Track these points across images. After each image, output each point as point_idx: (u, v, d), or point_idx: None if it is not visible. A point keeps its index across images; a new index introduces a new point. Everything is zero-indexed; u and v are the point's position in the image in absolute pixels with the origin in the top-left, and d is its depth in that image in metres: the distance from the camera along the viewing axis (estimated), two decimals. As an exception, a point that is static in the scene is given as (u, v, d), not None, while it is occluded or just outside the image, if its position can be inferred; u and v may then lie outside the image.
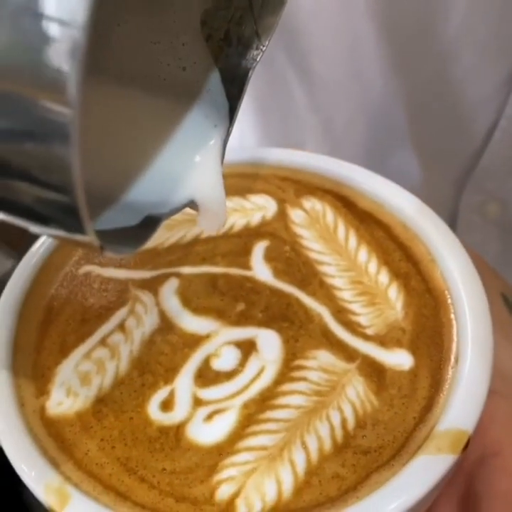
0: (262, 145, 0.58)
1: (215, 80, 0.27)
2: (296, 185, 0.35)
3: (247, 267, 0.32)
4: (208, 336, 0.30)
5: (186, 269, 0.32)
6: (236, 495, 0.25)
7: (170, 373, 0.28)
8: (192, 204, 0.26)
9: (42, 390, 0.29)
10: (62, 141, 0.17)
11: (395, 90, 0.51)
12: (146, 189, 0.26)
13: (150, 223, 0.25)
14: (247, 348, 0.29)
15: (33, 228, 0.21)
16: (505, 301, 0.38)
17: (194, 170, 0.26)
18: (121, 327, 0.30)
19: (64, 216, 0.19)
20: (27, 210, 0.20)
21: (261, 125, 0.57)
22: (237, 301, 0.31)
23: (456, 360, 0.28)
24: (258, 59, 0.27)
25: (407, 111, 0.52)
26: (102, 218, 0.23)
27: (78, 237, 0.20)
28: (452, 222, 0.58)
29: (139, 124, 0.26)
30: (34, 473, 0.26)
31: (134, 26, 0.25)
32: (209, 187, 0.26)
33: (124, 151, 0.25)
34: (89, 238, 0.20)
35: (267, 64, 0.31)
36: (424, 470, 0.24)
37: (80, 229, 0.19)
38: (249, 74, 0.27)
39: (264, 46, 0.26)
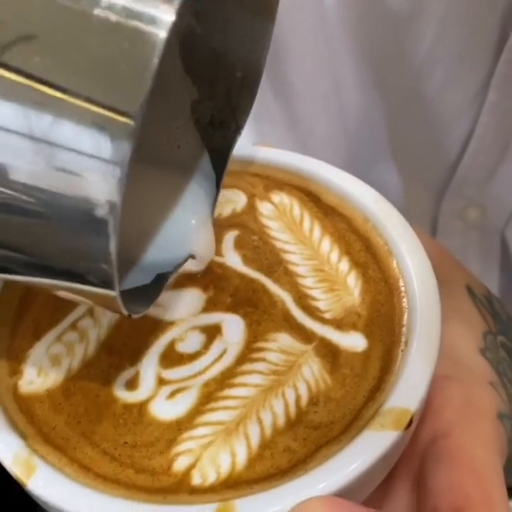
0: None
1: (203, 156, 0.33)
2: (265, 181, 0.37)
3: (219, 254, 0.33)
4: (174, 322, 0.31)
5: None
6: (192, 466, 0.26)
7: (135, 355, 0.30)
8: (190, 256, 0.31)
9: (15, 370, 0.30)
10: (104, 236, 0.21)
11: (373, 104, 0.53)
12: (156, 250, 0.31)
13: (158, 280, 0.29)
14: (212, 332, 0.30)
15: (62, 293, 0.25)
16: (469, 293, 0.39)
17: (192, 230, 0.32)
18: (90, 313, 0.31)
19: (97, 282, 0.23)
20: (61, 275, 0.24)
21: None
22: (207, 288, 0.32)
23: (406, 344, 0.29)
24: (237, 137, 0.33)
25: (385, 124, 0.54)
26: (124, 280, 0.28)
27: (108, 303, 0.24)
28: (433, 227, 0.60)
29: (147, 194, 0.30)
30: (3, 445, 0.27)
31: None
32: (204, 243, 0.32)
33: (140, 219, 0.30)
34: (119, 305, 0.24)
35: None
36: (369, 445, 0.26)
37: (112, 299, 0.23)
38: (231, 150, 0.33)
39: (241, 128, 0.33)
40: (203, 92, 0.32)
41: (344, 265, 0.32)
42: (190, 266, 0.31)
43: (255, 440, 0.27)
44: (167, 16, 0.20)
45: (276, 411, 0.28)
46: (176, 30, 0.20)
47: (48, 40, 0.21)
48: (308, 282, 0.32)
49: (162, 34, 0.20)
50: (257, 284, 0.32)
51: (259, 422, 0.27)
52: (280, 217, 0.35)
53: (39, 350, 0.31)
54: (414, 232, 0.33)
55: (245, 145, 0.37)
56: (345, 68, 0.50)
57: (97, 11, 0.20)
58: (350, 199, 0.35)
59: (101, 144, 0.20)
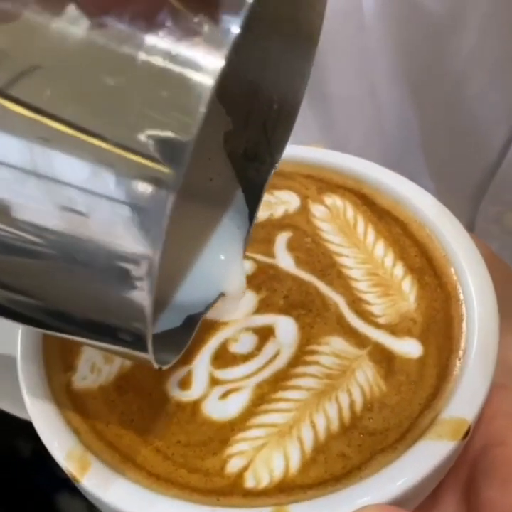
0: None
1: (236, 189, 0.31)
2: (319, 183, 0.36)
3: (271, 255, 0.33)
4: (226, 323, 0.31)
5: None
6: (245, 468, 0.26)
7: (188, 354, 0.30)
8: (221, 295, 0.30)
9: (69, 365, 0.30)
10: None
11: (409, 109, 0.52)
12: (187, 290, 0.30)
13: (189, 323, 0.28)
14: (265, 333, 0.30)
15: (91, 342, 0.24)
16: None
17: (223, 268, 0.30)
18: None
19: (129, 338, 0.22)
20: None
21: None
22: (260, 289, 0.32)
23: (464, 352, 0.29)
24: (271, 172, 0.31)
25: (421, 128, 0.53)
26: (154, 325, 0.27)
27: (138, 356, 0.23)
28: (469, 231, 0.59)
29: (176, 229, 0.28)
30: (57, 440, 0.27)
31: None
32: (236, 282, 0.31)
33: (170, 257, 0.28)
34: (150, 358, 0.23)
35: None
36: (425, 454, 0.25)
37: (143, 350, 0.22)
38: (265, 185, 0.31)
39: (276, 162, 0.31)
40: (237, 123, 0.31)
41: (399, 270, 0.32)
42: (223, 305, 0.31)
43: (309, 444, 0.27)
44: (215, 61, 0.19)
45: (330, 415, 0.27)
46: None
47: (87, 85, 0.20)
48: (362, 286, 0.32)
49: (209, 82, 0.19)
50: (310, 286, 0.32)
51: (313, 425, 0.27)
52: (333, 219, 0.35)
53: (92, 347, 0.31)
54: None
55: (297, 146, 0.37)
56: (381, 74, 0.50)
57: (141, 56, 0.19)
58: (405, 203, 0.34)
59: (142, 196, 0.19)
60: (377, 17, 0.47)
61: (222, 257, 0.30)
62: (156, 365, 0.24)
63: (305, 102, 0.53)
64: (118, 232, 0.19)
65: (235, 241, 0.31)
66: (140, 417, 0.28)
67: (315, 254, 0.33)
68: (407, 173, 0.55)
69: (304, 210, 0.35)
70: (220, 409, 0.28)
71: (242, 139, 0.31)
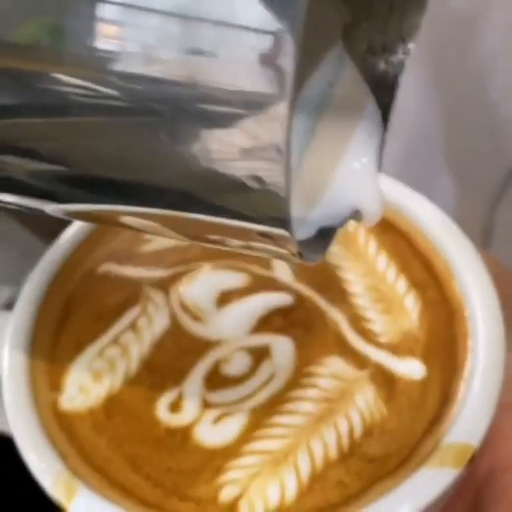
0: None
1: (364, 91, 0.27)
2: None
3: (269, 268, 0.32)
4: (219, 342, 0.30)
5: (205, 265, 0.32)
6: (239, 497, 0.25)
7: (178, 375, 0.28)
8: (356, 212, 0.26)
9: (56, 384, 0.29)
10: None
11: (431, 107, 0.51)
12: (321, 205, 0.26)
13: (324, 235, 0.25)
14: (260, 354, 0.29)
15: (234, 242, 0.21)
16: None
17: (355, 179, 0.26)
18: (132, 326, 0.30)
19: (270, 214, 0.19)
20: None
21: None
22: (257, 305, 0.31)
23: (468, 374, 0.27)
24: (404, 61, 0.27)
25: (443, 127, 0.52)
26: None
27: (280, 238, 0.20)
28: (486, 236, 0.58)
29: (301, 143, 0.26)
30: (43, 464, 0.26)
31: None
32: (370, 194, 0.26)
33: (298, 171, 0.26)
34: (292, 243, 0.20)
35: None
36: (426, 483, 0.24)
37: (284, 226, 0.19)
38: (399, 79, 0.27)
39: (409, 49, 0.26)
40: (358, 12, 0.26)
41: (401, 285, 0.31)
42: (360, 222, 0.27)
43: (305, 472, 0.26)
44: None
45: (328, 442, 0.26)
46: None
47: None
48: (363, 302, 0.30)
49: None
50: (308, 302, 0.30)
51: (310, 452, 0.26)
52: (333, 230, 0.33)
53: (80, 365, 0.30)
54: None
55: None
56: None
57: None
58: (408, 214, 0.33)
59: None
60: None
61: (357, 165, 0.26)
62: (296, 249, 0.20)
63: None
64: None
65: (367, 149, 0.27)
66: (129, 442, 0.27)
67: (314, 267, 0.32)
68: (424, 172, 0.55)
69: (302, 220, 0.34)
70: (212, 434, 0.27)
71: (365, 31, 0.27)
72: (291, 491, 0.25)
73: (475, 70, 0.46)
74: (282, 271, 0.32)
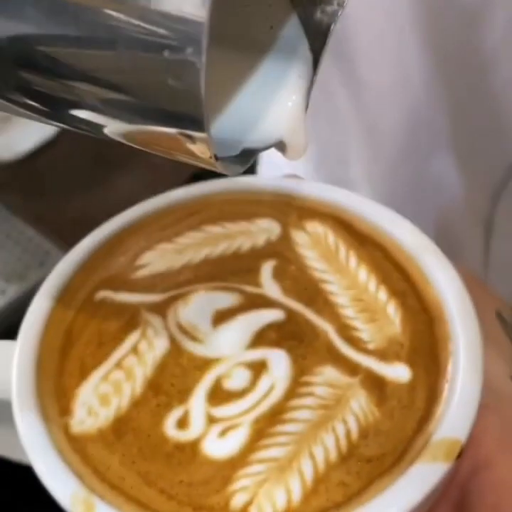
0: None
1: (299, 36, 0.30)
2: (298, 210, 0.37)
3: (258, 285, 0.34)
4: (218, 359, 0.31)
5: (198, 287, 0.34)
6: (249, 503, 0.27)
7: (183, 394, 0.30)
8: (280, 143, 0.30)
9: (65, 409, 0.30)
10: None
11: (438, 97, 0.52)
12: (249, 129, 0.29)
13: (246, 155, 0.28)
14: (258, 368, 0.31)
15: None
16: (499, 318, 0.39)
17: (286, 115, 0.30)
18: (134, 350, 0.32)
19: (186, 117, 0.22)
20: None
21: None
22: (250, 322, 0.32)
23: (451, 372, 0.30)
24: (339, 14, 0.30)
25: (448, 117, 0.53)
26: None
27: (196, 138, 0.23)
28: (488, 228, 0.59)
29: (237, 77, 0.30)
30: (61, 485, 0.28)
31: None
32: (297, 133, 0.30)
33: (230, 98, 0.29)
34: (206, 143, 0.23)
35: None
36: (422, 477, 0.27)
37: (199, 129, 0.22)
38: (331, 28, 0.30)
39: (343, 1, 0.29)
40: None
41: (382, 294, 0.33)
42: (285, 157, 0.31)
43: (309, 475, 0.27)
44: None
45: (328, 446, 0.28)
46: None
47: None
48: (349, 312, 0.33)
49: None
50: (298, 315, 0.32)
51: (312, 457, 0.28)
52: (315, 246, 0.36)
53: (87, 390, 0.31)
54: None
55: (276, 177, 0.38)
56: (412, 60, 0.50)
57: None
58: (383, 227, 0.35)
59: None
60: (409, 1, 0.47)
61: (290, 104, 0.30)
62: (210, 152, 0.23)
63: (340, 84, 0.52)
64: None
65: (298, 91, 0.30)
66: (141, 459, 0.29)
67: (301, 282, 0.34)
68: (428, 163, 0.55)
69: (285, 237, 0.36)
70: (219, 447, 0.28)
71: None
72: (297, 494, 0.27)
73: (481, 58, 0.47)
74: (271, 288, 0.34)
